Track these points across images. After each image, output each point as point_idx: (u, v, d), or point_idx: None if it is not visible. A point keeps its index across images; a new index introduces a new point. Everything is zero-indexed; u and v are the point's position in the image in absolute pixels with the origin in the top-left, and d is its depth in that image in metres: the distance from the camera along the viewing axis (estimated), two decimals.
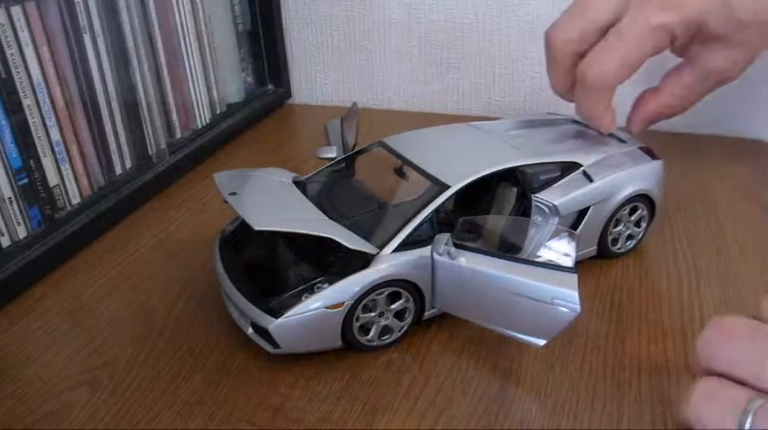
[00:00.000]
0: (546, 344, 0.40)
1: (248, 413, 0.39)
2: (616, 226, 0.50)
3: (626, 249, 0.51)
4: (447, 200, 0.43)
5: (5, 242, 0.51)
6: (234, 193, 0.43)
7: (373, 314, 0.42)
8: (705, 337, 0.31)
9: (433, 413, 0.39)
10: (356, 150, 0.51)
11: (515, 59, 0.79)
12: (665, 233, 0.54)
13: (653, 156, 0.51)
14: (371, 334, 0.42)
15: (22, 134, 0.52)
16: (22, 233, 0.52)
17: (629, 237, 0.51)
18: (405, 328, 0.43)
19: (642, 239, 0.52)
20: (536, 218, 0.45)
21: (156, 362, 0.43)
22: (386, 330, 0.43)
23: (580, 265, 0.49)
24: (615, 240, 0.50)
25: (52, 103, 0.54)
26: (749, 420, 0.26)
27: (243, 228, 0.48)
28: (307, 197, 0.45)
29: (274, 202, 0.44)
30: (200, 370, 0.42)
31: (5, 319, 0.48)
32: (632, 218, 0.50)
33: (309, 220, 0.42)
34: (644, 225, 0.51)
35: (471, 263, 0.40)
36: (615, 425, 0.37)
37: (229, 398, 0.40)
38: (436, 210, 0.43)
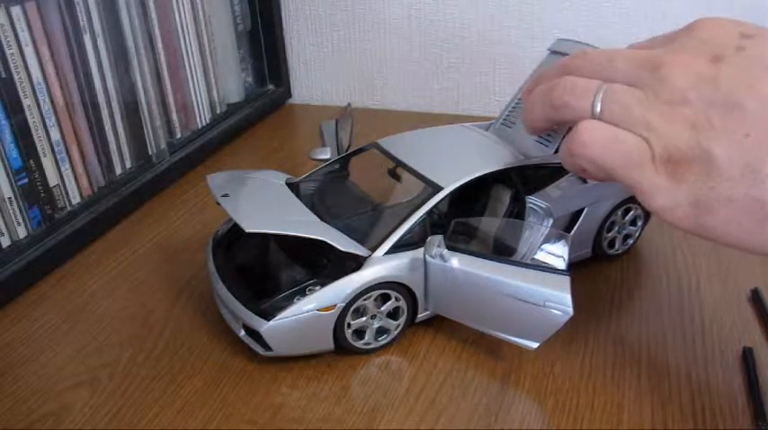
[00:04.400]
0: (539, 347, 0.40)
1: (248, 413, 0.39)
2: (610, 229, 0.49)
3: (623, 249, 0.51)
4: (440, 201, 0.43)
5: (5, 242, 0.51)
6: (226, 195, 0.43)
7: (365, 318, 0.41)
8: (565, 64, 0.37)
9: (433, 413, 0.39)
10: (350, 151, 0.51)
11: (515, 59, 0.79)
12: (664, 233, 0.54)
13: None
14: (367, 337, 0.42)
15: (22, 134, 0.52)
16: (22, 233, 0.52)
17: (627, 236, 0.51)
18: (401, 328, 0.43)
19: (639, 238, 0.52)
20: (530, 219, 0.45)
21: (156, 362, 0.43)
22: (381, 331, 0.43)
23: (580, 265, 0.49)
24: (611, 243, 0.50)
25: (52, 102, 0.54)
26: (599, 99, 0.33)
27: (235, 229, 0.47)
28: (300, 199, 0.45)
29: (266, 204, 0.44)
30: (200, 370, 0.42)
31: (6, 319, 0.48)
32: (626, 218, 0.50)
33: (301, 222, 0.42)
34: (640, 223, 0.51)
35: (463, 265, 0.40)
36: (615, 425, 0.37)
37: (229, 397, 0.40)
38: (429, 212, 0.42)
